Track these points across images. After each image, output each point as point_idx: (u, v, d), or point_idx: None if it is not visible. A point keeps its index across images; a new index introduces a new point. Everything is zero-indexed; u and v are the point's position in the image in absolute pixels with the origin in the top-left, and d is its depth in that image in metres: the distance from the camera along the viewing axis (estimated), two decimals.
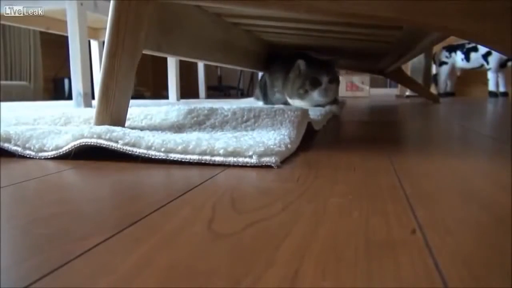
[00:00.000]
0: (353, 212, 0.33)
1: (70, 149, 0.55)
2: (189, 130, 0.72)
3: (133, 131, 0.61)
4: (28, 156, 0.57)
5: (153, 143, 0.53)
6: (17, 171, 0.51)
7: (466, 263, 0.24)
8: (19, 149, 0.58)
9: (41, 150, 0.57)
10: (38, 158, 0.57)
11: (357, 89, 4.17)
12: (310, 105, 1.48)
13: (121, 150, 0.54)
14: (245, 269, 0.23)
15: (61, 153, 0.56)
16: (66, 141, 0.56)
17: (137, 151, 0.53)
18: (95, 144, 0.54)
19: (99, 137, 0.55)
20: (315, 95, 1.47)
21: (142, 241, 0.27)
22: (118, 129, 0.57)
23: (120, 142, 0.54)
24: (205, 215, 0.32)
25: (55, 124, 0.80)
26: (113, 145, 0.54)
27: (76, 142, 0.55)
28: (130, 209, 0.36)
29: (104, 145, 0.54)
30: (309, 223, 0.30)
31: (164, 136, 0.58)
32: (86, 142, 0.54)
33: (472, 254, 0.25)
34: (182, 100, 2.80)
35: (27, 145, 0.58)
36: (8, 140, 0.58)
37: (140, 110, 0.81)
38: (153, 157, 0.53)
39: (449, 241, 0.27)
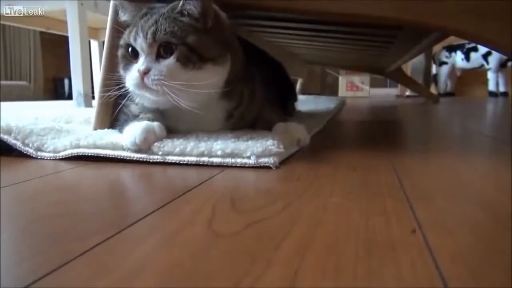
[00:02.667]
0: (353, 212, 0.33)
1: (67, 156, 0.56)
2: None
3: None
4: (26, 153, 0.57)
5: (152, 147, 0.53)
6: (17, 171, 0.51)
7: (466, 263, 0.24)
8: (18, 143, 0.57)
9: (40, 149, 0.57)
10: (37, 158, 0.57)
11: (357, 89, 4.17)
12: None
13: (119, 157, 0.54)
14: (245, 269, 0.23)
15: (58, 158, 0.56)
16: (64, 146, 0.56)
17: (134, 156, 0.53)
18: (92, 154, 0.54)
19: (95, 146, 0.55)
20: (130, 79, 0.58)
21: (142, 241, 0.27)
22: (114, 135, 0.58)
23: (118, 149, 0.54)
24: (205, 215, 0.32)
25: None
26: (110, 153, 0.54)
27: (74, 151, 0.55)
28: (130, 209, 0.36)
29: (101, 155, 0.54)
30: (309, 223, 0.30)
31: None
32: (83, 153, 0.55)
33: (472, 254, 0.25)
34: None
35: (26, 141, 0.58)
36: (9, 132, 0.58)
37: None
38: (151, 160, 0.53)
39: (449, 241, 0.27)
